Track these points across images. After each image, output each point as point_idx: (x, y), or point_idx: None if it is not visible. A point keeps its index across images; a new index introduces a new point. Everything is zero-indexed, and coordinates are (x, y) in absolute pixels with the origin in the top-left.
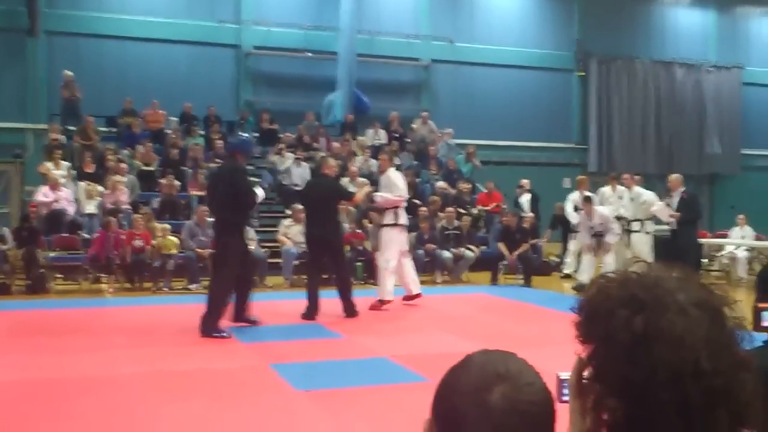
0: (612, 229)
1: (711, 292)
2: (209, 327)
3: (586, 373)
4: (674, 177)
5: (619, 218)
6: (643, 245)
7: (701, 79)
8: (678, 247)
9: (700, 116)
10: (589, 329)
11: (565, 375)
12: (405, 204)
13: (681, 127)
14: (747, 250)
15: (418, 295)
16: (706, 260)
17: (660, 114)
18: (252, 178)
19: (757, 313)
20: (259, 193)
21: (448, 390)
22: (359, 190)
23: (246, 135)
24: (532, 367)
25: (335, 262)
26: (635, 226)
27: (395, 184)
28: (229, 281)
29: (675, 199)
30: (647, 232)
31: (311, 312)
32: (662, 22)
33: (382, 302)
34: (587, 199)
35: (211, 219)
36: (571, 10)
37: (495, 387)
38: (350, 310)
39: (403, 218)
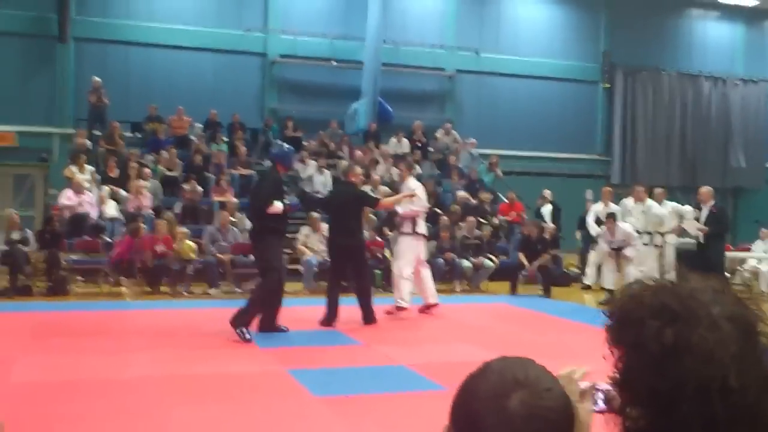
0: (632, 244)
1: (746, 307)
2: (240, 321)
3: (612, 379)
4: (705, 190)
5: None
6: (647, 258)
7: (728, 92)
8: (705, 260)
9: (725, 129)
10: (619, 335)
11: (602, 386)
12: (425, 214)
13: (706, 139)
14: None
15: (435, 305)
16: (729, 274)
17: (685, 126)
18: (283, 189)
19: None
20: (278, 205)
21: (466, 396)
22: (386, 196)
23: (288, 146)
24: (551, 374)
25: (358, 270)
26: (645, 239)
27: (416, 195)
28: (271, 287)
29: (704, 212)
30: (656, 245)
31: (330, 318)
32: (689, 35)
33: (398, 308)
34: (611, 216)
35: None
36: (598, 22)
37: (513, 393)
38: (369, 317)
39: (422, 227)
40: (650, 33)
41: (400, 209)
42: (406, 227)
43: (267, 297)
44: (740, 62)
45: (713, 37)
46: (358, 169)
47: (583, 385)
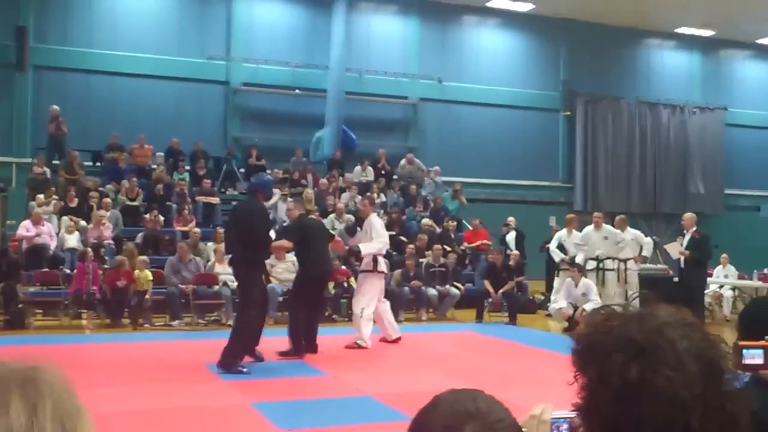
0: (592, 299)
1: (713, 345)
2: (230, 362)
3: (575, 407)
4: (688, 216)
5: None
6: (610, 284)
7: (686, 119)
8: (687, 286)
9: (684, 156)
10: (584, 364)
11: (566, 413)
12: (384, 251)
13: (665, 166)
14: (731, 288)
15: (397, 340)
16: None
17: (645, 154)
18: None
19: (738, 352)
20: (271, 235)
21: (419, 431)
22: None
23: (268, 175)
24: (501, 403)
25: (322, 295)
26: (609, 264)
27: (377, 231)
28: (254, 318)
29: (687, 238)
30: (589, 270)
31: (311, 346)
32: (647, 64)
33: (359, 346)
34: (577, 267)
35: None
36: (558, 51)
37: (466, 426)
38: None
39: (382, 265)
40: (609, 62)
41: (363, 249)
42: (367, 265)
43: (246, 329)
44: (697, 90)
45: (671, 66)
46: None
47: (543, 414)
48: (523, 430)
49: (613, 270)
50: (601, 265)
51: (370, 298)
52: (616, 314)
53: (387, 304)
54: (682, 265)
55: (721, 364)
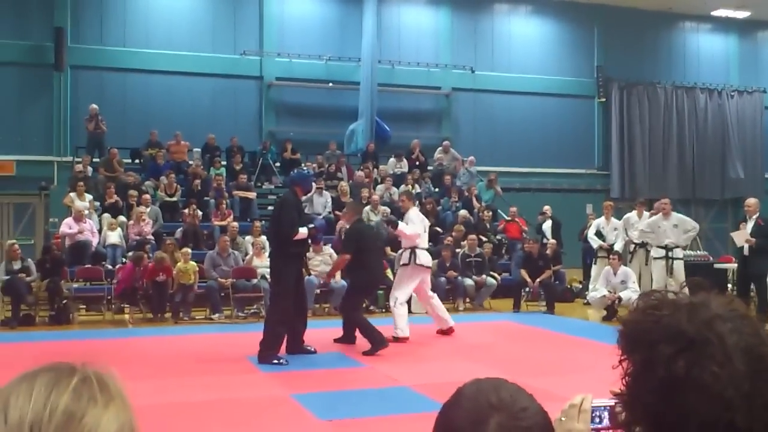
0: (630, 286)
1: (764, 339)
2: (266, 355)
3: (615, 395)
4: (752, 201)
5: (643, 244)
6: (656, 271)
7: (723, 103)
8: (750, 274)
9: (722, 141)
10: (630, 351)
11: (606, 401)
12: (422, 244)
13: (703, 151)
14: None
15: (450, 330)
16: (730, 285)
17: (682, 139)
18: (303, 212)
19: None
20: (302, 231)
21: (444, 427)
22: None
23: (307, 169)
24: (524, 391)
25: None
26: (678, 253)
27: (413, 224)
28: (282, 310)
29: (750, 224)
30: (656, 258)
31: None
32: (683, 47)
33: (396, 339)
34: (616, 254)
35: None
36: (592, 37)
37: (490, 418)
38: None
39: (421, 258)
40: (644, 46)
41: (400, 226)
42: (404, 259)
43: (277, 321)
44: (735, 73)
45: (707, 49)
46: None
47: (584, 403)
48: (563, 419)
49: (681, 259)
50: (670, 254)
51: (402, 290)
52: (666, 302)
53: (435, 296)
54: (746, 253)
55: None
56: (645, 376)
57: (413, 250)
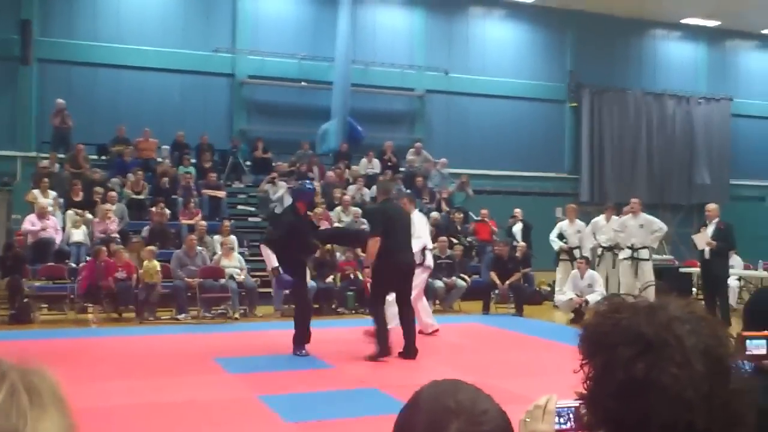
0: (597, 290)
1: (722, 340)
2: (294, 346)
3: (579, 396)
4: (712, 207)
5: (610, 248)
6: (624, 273)
7: (691, 110)
8: (712, 276)
9: (690, 147)
10: (590, 355)
11: (571, 402)
12: (429, 245)
13: (671, 157)
14: (737, 279)
15: (435, 332)
16: (695, 289)
17: (651, 145)
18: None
19: (742, 342)
20: (269, 255)
21: None
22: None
23: (309, 183)
24: (483, 392)
25: (409, 292)
26: (644, 254)
27: (418, 231)
28: (303, 309)
29: (711, 228)
30: (623, 259)
31: (410, 349)
32: (653, 54)
33: (434, 329)
34: (584, 258)
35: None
36: (564, 42)
37: (450, 424)
38: (413, 351)
39: (429, 260)
40: (615, 52)
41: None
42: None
43: (300, 321)
44: (703, 81)
45: (676, 57)
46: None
47: (548, 404)
48: (527, 420)
49: (647, 260)
50: (636, 255)
51: (419, 291)
52: (626, 305)
53: (424, 298)
54: (707, 256)
55: (728, 362)
56: (605, 379)
57: (423, 251)
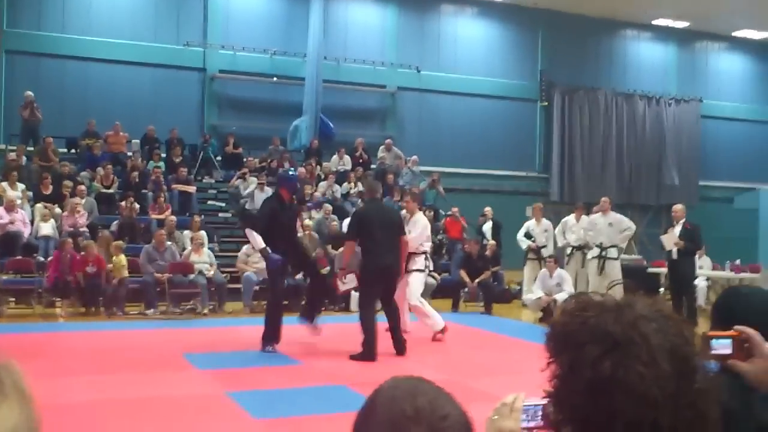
0: (566, 289)
1: (688, 339)
2: (263, 343)
3: (547, 394)
4: (679, 207)
5: (580, 247)
6: (591, 272)
7: (661, 111)
8: (679, 276)
9: (659, 147)
10: (557, 353)
11: (539, 400)
12: (425, 249)
13: (641, 157)
14: (705, 279)
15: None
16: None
17: (621, 145)
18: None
19: (706, 342)
20: (254, 237)
21: None
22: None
23: (292, 170)
24: (444, 392)
25: (392, 292)
26: (612, 252)
27: (418, 232)
28: (273, 303)
29: (678, 229)
30: (592, 258)
31: (399, 348)
32: (624, 55)
33: (440, 333)
34: (552, 257)
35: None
36: (536, 41)
37: None
38: (401, 346)
39: (430, 264)
40: (586, 52)
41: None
42: (419, 264)
43: (269, 316)
44: (673, 82)
45: (647, 57)
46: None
47: (515, 402)
48: (495, 417)
49: (616, 259)
50: (604, 253)
51: (417, 292)
52: (593, 304)
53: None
54: (675, 256)
55: (693, 361)
56: (572, 377)
57: (426, 255)
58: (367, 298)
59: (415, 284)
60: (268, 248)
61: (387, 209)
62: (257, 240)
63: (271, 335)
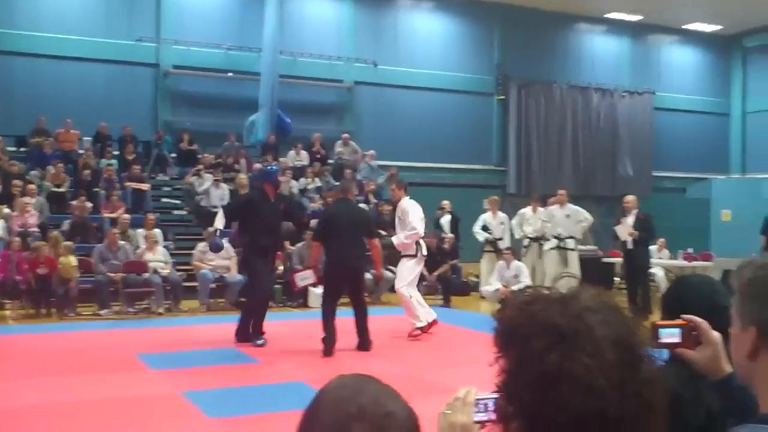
0: (523, 281)
1: (633, 329)
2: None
3: (496, 388)
4: (631, 198)
5: (537, 239)
6: (550, 263)
7: (615, 103)
8: (634, 266)
9: (614, 139)
10: (505, 347)
11: (483, 395)
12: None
13: (596, 149)
14: (662, 269)
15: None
16: (618, 278)
17: (576, 137)
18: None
19: (655, 331)
20: (219, 220)
21: None
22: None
23: (274, 164)
24: (390, 390)
25: (360, 292)
26: (570, 243)
27: (408, 218)
28: (255, 298)
29: (630, 219)
30: (550, 249)
31: (331, 345)
32: (579, 48)
33: (422, 329)
34: (510, 249)
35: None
36: (492, 35)
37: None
38: (366, 342)
39: (424, 250)
40: (542, 46)
41: (395, 240)
42: (410, 250)
43: (251, 308)
44: (626, 75)
45: (601, 51)
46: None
47: (468, 396)
48: (447, 411)
49: (574, 250)
50: (562, 244)
51: (406, 281)
52: (539, 296)
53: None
54: (629, 246)
55: (639, 351)
56: (520, 371)
57: (418, 241)
58: (329, 297)
59: (403, 271)
60: (219, 229)
61: (357, 209)
62: (218, 219)
63: (245, 331)
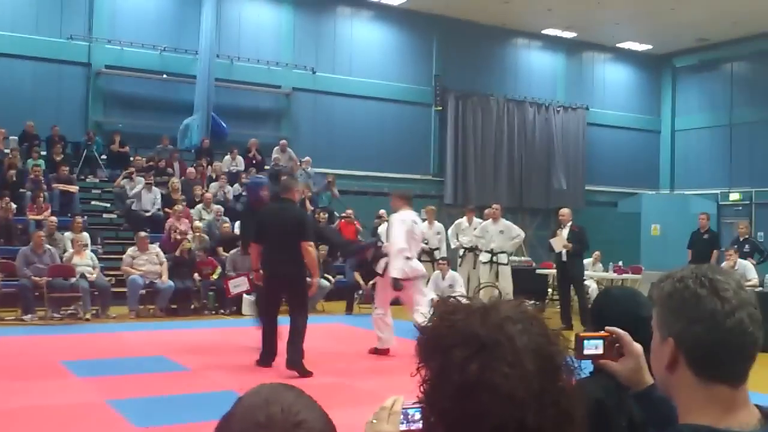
0: (458, 290)
1: (552, 339)
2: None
3: (419, 399)
4: (566, 211)
5: (472, 249)
6: (507, 278)
7: (550, 118)
8: (569, 277)
9: (548, 153)
10: (426, 358)
11: (409, 404)
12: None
13: (531, 162)
14: (593, 280)
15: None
16: (551, 290)
17: (512, 150)
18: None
19: (579, 342)
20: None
21: None
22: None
23: (261, 176)
24: (306, 398)
25: (296, 302)
26: (503, 258)
27: (391, 233)
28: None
29: (565, 231)
30: (483, 263)
31: (270, 356)
32: (515, 62)
33: (378, 351)
34: (445, 259)
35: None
36: (431, 47)
37: None
38: (296, 360)
39: (397, 269)
40: (480, 59)
41: (397, 274)
42: (379, 268)
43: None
44: (561, 90)
45: (537, 65)
46: (299, 185)
47: (394, 405)
48: (373, 421)
49: (506, 264)
50: (495, 259)
51: (380, 300)
52: (461, 307)
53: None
54: (564, 258)
55: (557, 360)
56: (441, 381)
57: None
58: (261, 305)
59: (376, 291)
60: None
61: (289, 211)
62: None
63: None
